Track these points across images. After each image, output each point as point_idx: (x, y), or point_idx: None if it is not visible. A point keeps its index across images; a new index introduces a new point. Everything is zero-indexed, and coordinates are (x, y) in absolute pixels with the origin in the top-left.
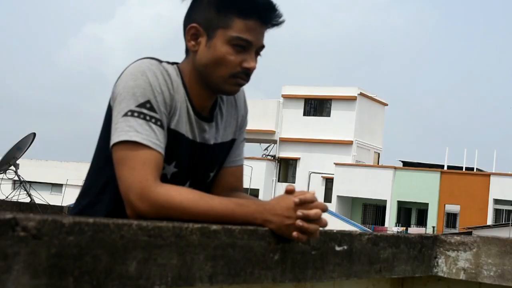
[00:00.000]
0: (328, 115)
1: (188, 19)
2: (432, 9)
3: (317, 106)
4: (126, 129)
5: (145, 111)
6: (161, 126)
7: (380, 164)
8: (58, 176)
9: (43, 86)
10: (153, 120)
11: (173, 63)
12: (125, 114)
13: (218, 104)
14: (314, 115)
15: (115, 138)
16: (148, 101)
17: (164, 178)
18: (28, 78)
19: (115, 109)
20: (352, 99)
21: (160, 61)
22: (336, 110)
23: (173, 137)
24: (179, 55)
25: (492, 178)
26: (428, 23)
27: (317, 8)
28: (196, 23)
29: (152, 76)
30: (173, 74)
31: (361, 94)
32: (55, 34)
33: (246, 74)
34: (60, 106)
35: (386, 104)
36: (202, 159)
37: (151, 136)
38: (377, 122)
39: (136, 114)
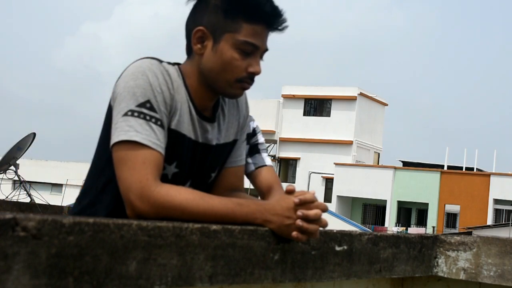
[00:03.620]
0: (328, 115)
1: (193, 21)
2: (432, 9)
3: (317, 106)
4: (126, 129)
5: (145, 111)
6: (161, 126)
7: (380, 164)
8: (58, 176)
9: (41, 86)
10: (153, 120)
11: (174, 64)
12: (125, 114)
13: (220, 105)
14: (314, 115)
15: (115, 138)
16: (148, 101)
17: (165, 178)
18: (26, 77)
19: (115, 109)
20: (352, 99)
21: (161, 61)
22: (336, 110)
23: (173, 137)
24: (177, 54)
25: (492, 178)
26: (428, 23)
27: (317, 8)
28: (203, 26)
29: (152, 76)
30: (173, 75)
31: (361, 94)
32: (52, 33)
33: (251, 78)
34: (58, 105)
35: (386, 104)
36: (204, 159)
37: (151, 136)
38: (377, 122)
39: (136, 114)
